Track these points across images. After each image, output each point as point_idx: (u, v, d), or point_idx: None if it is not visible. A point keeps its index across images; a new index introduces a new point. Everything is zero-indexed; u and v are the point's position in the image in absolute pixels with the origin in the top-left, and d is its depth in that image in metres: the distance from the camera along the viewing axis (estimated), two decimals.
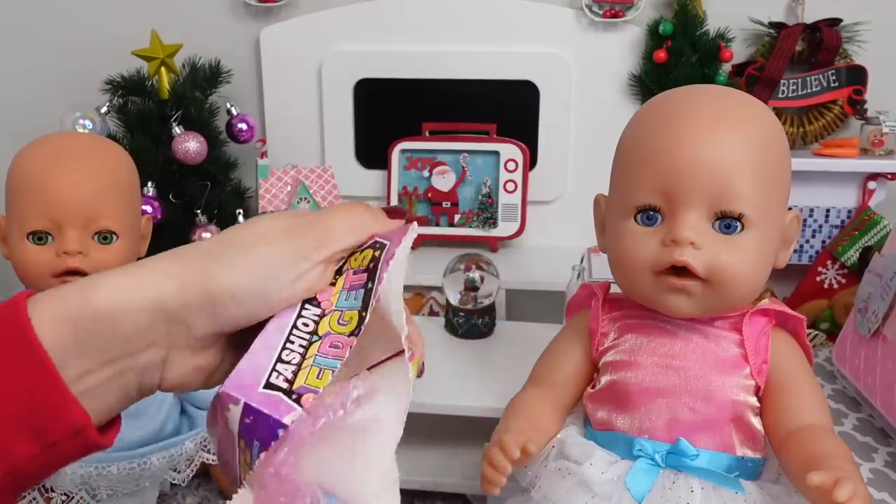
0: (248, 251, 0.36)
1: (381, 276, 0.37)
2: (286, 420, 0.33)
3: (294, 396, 0.35)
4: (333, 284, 0.39)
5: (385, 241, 0.40)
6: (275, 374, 0.36)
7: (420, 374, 0.40)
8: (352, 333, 0.37)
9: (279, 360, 0.36)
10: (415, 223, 0.41)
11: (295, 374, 0.36)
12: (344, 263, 0.40)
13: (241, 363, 0.36)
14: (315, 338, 0.37)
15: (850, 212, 1.30)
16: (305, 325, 0.38)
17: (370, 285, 0.38)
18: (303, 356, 0.36)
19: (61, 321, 0.33)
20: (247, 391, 0.35)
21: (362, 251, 0.40)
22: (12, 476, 0.32)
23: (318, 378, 0.35)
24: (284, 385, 0.35)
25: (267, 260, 0.36)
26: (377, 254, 0.39)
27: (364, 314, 0.37)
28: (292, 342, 0.37)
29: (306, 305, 0.38)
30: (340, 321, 0.38)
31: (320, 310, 0.38)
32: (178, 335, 0.35)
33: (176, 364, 0.37)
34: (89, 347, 0.33)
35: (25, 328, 0.32)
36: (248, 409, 0.34)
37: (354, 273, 0.39)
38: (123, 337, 0.34)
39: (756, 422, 0.63)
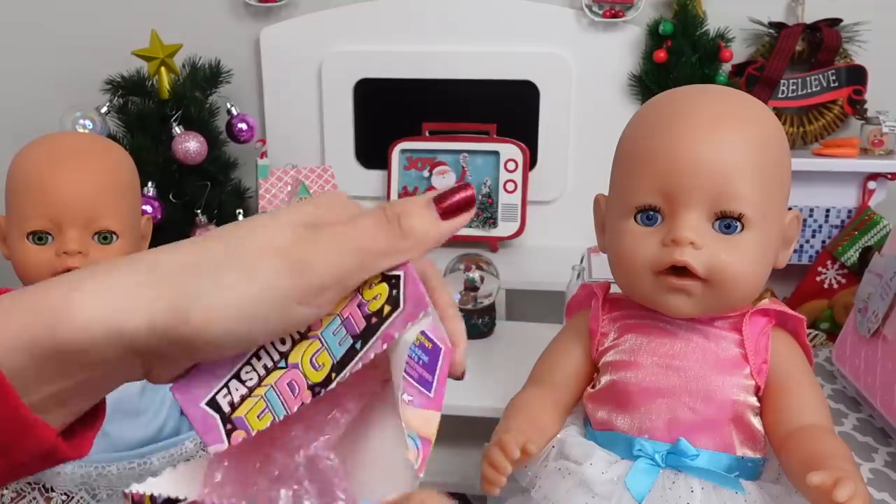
0: (232, 298, 0.30)
1: (367, 355, 0.31)
2: (211, 449, 0.32)
3: (228, 427, 0.32)
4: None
5: (402, 295, 0.32)
6: (224, 391, 0.33)
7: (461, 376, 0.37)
8: (311, 388, 0.32)
9: (236, 376, 0.33)
10: (430, 308, 0.32)
11: (243, 398, 0.33)
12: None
13: (200, 366, 0.33)
14: (282, 363, 0.33)
15: (850, 212, 1.30)
16: (283, 341, 0.33)
17: (357, 345, 0.32)
18: (259, 381, 0.33)
19: (20, 349, 0.29)
20: (190, 400, 0.33)
21: (379, 283, 0.33)
22: None
23: (258, 418, 0.32)
24: (227, 408, 0.33)
25: (255, 303, 0.30)
26: (387, 309, 0.32)
27: (333, 376, 0.32)
28: (259, 358, 0.33)
29: None
30: (313, 361, 0.33)
31: (296, 336, 0.34)
32: (152, 363, 0.32)
33: (160, 373, 0.33)
34: (54, 374, 0.30)
35: None
36: (186, 415, 0.33)
37: (359, 305, 0.33)
38: (90, 364, 0.30)
39: (756, 422, 0.63)
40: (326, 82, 1.44)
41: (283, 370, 0.33)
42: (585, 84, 1.40)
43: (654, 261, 0.60)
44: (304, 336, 0.33)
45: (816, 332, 1.23)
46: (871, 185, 1.28)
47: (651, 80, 1.33)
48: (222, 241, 0.31)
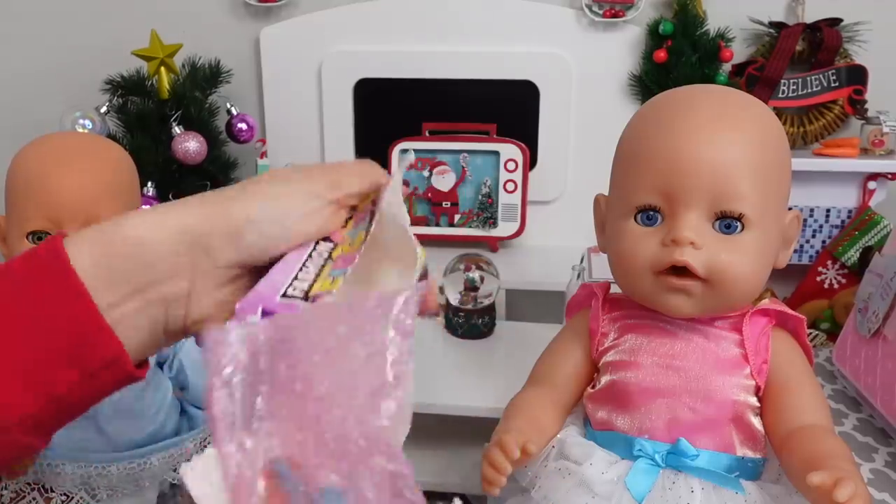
0: (266, 191, 0.40)
1: (382, 196, 0.41)
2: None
3: (310, 300, 0.37)
4: (344, 227, 0.43)
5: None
6: (291, 287, 0.38)
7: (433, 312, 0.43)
8: (358, 250, 0.40)
9: (295, 278, 0.39)
10: (409, 154, 0.44)
11: (310, 285, 0.38)
12: (351, 212, 0.44)
13: (258, 284, 0.38)
14: (329, 262, 0.40)
15: (850, 212, 1.30)
16: (320, 254, 0.41)
17: (373, 209, 0.42)
18: (317, 274, 0.39)
19: (95, 248, 0.36)
20: (265, 300, 0.37)
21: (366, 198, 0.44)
22: (56, 405, 0.35)
23: (331, 283, 0.38)
24: (300, 294, 0.37)
25: (283, 196, 0.40)
26: (377, 195, 0.43)
27: (369, 229, 0.41)
28: (307, 266, 0.39)
29: (320, 242, 0.41)
30: (350, 244, 0.41)
31: (332, 244, 0.42)
32: (201, 264, 0.38)
33: (200, 297, 0.39)
34: (120, 275, 0.36)
35: (64, 260, 0.35)
36: (265, 315, 0.36)
37: (359, 212, 0.43)
38: (151, 262, 0.37)
39: (756, 422, 0.63)
40: (326, 82, 1.44)
41: (331, 262, 0.40)
42: (585, 84, 1.40)
43: (654, 261, 0.60)
44: (335, 247, 0.41)
45: (817, 332, 1.23)
46: (872, 185, 1.28)
47: (651, 80, 1.33)
48: (250, 181, 0.42)
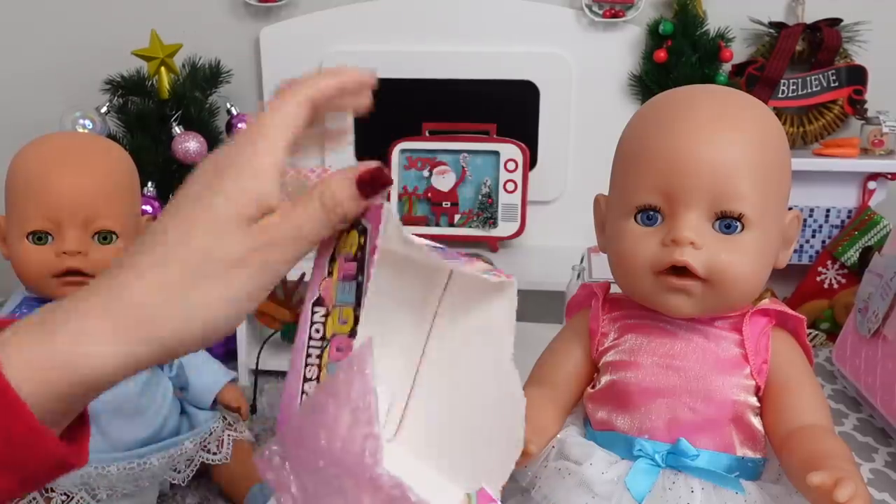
0: (213, 297, 0.34)
1: (370, 272, 0.36)
2: None
3: None
4: (331, 274, 0.39)
5: (367, 224, 0.37)
6: (303, 396, 0.38)
7: None
8: (351, 333, 0.36)
9: (305, 379, 0.38)
10: (386, 205, 0.36)
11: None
12: (336, 245, 0.39)
13: (282, 396, 0.38)
14: (325, 343, 0.38)
15: (850, 212, 1.30)
16: (317, 330, 0.38)
17: (360, 279, 0.36)
18: (319, 367, 0.37)
19: (41, 384, 0.32)
20: (287, 422, 0.38)
21: (349, 232, 0.38)
22: None
23: None
24: None
25: (228, 306, 0.34)
26: (362, 240, 0.37)
27: (358, 312, 0.36)
28: (310, 355, 0.38)
29: (315, 308, 0.39)
30: (340, 319, 0.37)
31: (325, 308, 0.38)
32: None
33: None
34: (68, 404, 0.34)
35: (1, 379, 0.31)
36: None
37: (346, 260, 0.38)
38: (101, 390, 0.35)
39: (756, 422, 0.63)
40: None
41: (328, 346, 0.37)
42: (585, 84, 1.40)
43: (654, 261, 0.60)
44: (327, 314, 0.38)
45: (817, 333, 1.23)
46: (872, 185, 1.28)
47: (651, 80, 1.33)
48: (182, 247, 0.34)
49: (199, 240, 0.33)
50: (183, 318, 0.33)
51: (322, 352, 0.37)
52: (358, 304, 0.36)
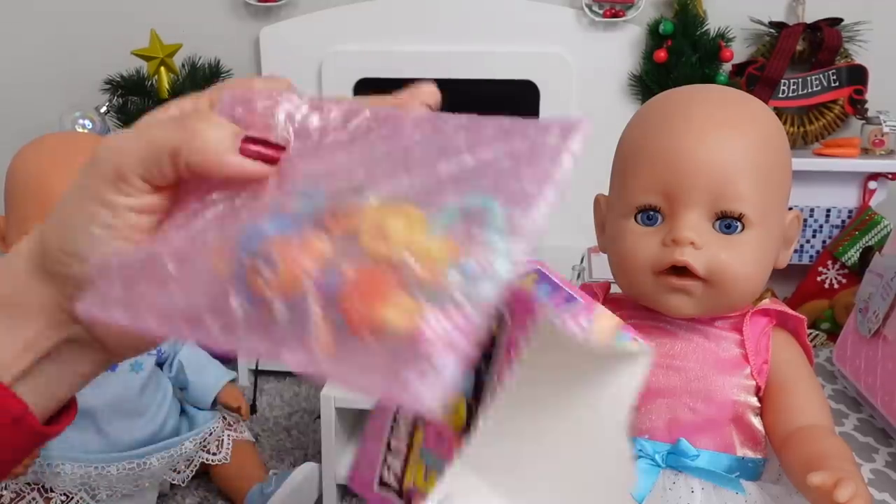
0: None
1: (502, 372, 0.28)
2: None
3: (404, 500, 0.34)
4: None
5: (505, 312, 0.30)
6: (385, 468, 0.34)
7: None
8: (460, 429, 0.30)
9: (388, 448, 0.34)
10: (546, 308, 0.29)
11: (403, 469, 0.33)
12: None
13: (356, 453, 0.36)
14: (418, 429, 0.33)
15: (850, 212, 1.30)
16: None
17: (485, 373, 0.29)
18: (409, 446, 0.33)
19: None
20: (365, 489, 0.35)
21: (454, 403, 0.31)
22: None
23: (425, 480, 0.31)
24: (395, 483, 0.34)
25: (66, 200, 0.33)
26: (494, 327, 0.29)
27: (475, 408, 0.29)
28: (397, 422, 0.34)
29: None
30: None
31: None
32: (67, 303, 0.33)
33: (105, 332, 0.34)
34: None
35: None
36: None
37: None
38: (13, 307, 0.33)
39: (756, 422, 0.63)
40: (326, 82, 1.44)
41: (422, 428, 0.32)
42: (585, 84, 1.40)
43: (654, 261, 0.60)
44: None
45: (817, 333, 1.23)
46: (872, 184, 1.28)
47: (651, 80, 1.33)
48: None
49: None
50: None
51: (413, 430, 0.33)
52: (477, 399, 0.30)
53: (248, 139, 0.30)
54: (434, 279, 0.23)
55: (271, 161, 0.30)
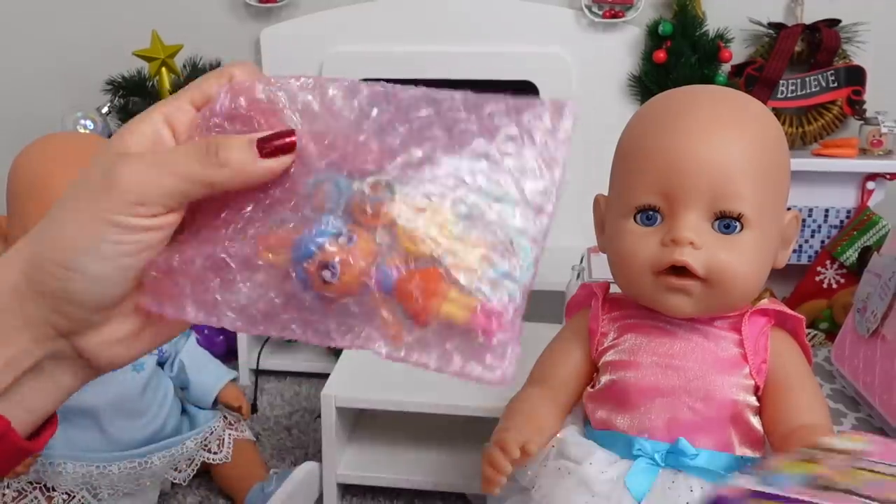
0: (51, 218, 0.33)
1: None
2: None
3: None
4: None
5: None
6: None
7: None
8: None
9: None
10: None
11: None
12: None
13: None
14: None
15: (848, 212, 1.30)
16: None
17: None
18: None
19: None
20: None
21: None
22: None
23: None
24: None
25: (70, 222, 0.32)
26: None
27: None
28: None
29: None
30: None
31: None
32: (56, 319, 0.33)
33: (91, 346, 0.34)
34: None
35: None
36: None
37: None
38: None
39: (755, 421, 0.63)
40: None
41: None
42: (585, 84, 1.40)
43: (653, 261, 0.61)
44: None
45: (815, 332, 1.24)
46: (870, 185, 1.28)
47: (651, 81, 1.33)
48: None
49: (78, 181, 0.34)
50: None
51: None
52: None
53: (262, 140, 0.31)
54: (475, 273, 0.28)
55: (290, 149, 0.32)
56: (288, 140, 0.32)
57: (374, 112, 0.31)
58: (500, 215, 0.29)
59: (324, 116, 0.31)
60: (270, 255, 0.31)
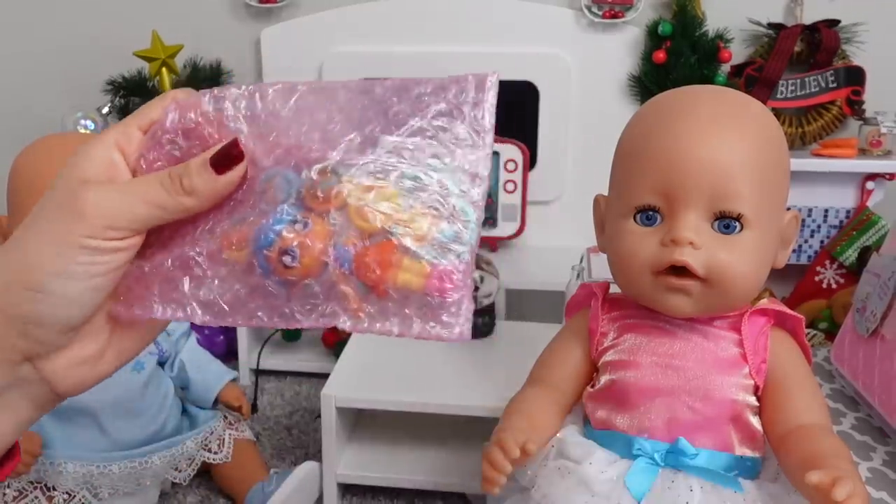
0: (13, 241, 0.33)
1: None
2: None
3: None
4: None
5: None
6: None
7: None
8: None
9: None
10: None
11: None
12: None
13: None
14: None
15: (848, 212, 1.30)
16: None
17: None
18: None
19: None
20: None
21: None
22: None
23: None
24: None
25: (43, 247, 0.32)
26: None
27: None
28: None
29: None
30: None
31: None
32: (22, 344, 0.33)
33: (56, 368, 0.35)
34: None
35: None
36: None
37: None
38: None
39: (755, 421, 0.63)
40: None
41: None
42: (585, 84, 1.40)
43: (653, 261, 0.61)
44: None
45: (815, 332, 1.24)
46: (870, 185, 1.28)
47: (650, 81, 1.34)
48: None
49: (41, 202, 0.34)
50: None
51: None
52: None
53: (213, 158, 0.33)
54: (426, 240, 0.30)
55: (240, 157, 0.33)
56: (235, 150, 0.33)
57: (312, 106, 0.33)
58: (441, 185, 0.31)
59: (266, 118, 0.33)
60: (234, 251, 0.33)
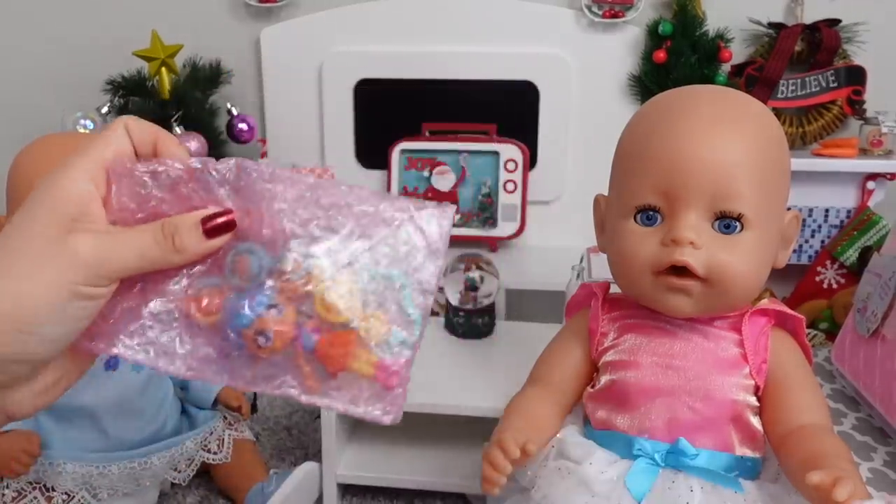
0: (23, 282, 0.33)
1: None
2: None
3: None
4: None
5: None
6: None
7: None
8: None
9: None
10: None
11: None
12: None
13: None
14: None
15: (849, 212, 1.30)
16: None
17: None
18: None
19: None
20: None
21: None
22: None
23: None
24: None
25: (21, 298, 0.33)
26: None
27: None
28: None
29: None
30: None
31: None
32: None
33: (19, 398, 0.36)
34: None
35: None
36: None
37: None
38: None
39: (755, 421, 0.63)
40: (327, 82, 1.45)
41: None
42: (585, 84, 1.40)
43: (653, 261, 0.61)
44: None
45: (815, 332, 1.24)
46: (870, 185, 1.28)
47: (650, 81, 1.34)
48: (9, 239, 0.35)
49: (23, 232, 0.34)
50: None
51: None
52: None
53: (205, 219, 0.35)
54: (379, 339, 0.35)
55: (231, 227, 0.36)
56: (228, 219, 0.36)
57: (291, 195, 0.36)
58: (399, 294, 0.36)
59: (248, 194, 0.36)
60: (205, 317, 0.36)
